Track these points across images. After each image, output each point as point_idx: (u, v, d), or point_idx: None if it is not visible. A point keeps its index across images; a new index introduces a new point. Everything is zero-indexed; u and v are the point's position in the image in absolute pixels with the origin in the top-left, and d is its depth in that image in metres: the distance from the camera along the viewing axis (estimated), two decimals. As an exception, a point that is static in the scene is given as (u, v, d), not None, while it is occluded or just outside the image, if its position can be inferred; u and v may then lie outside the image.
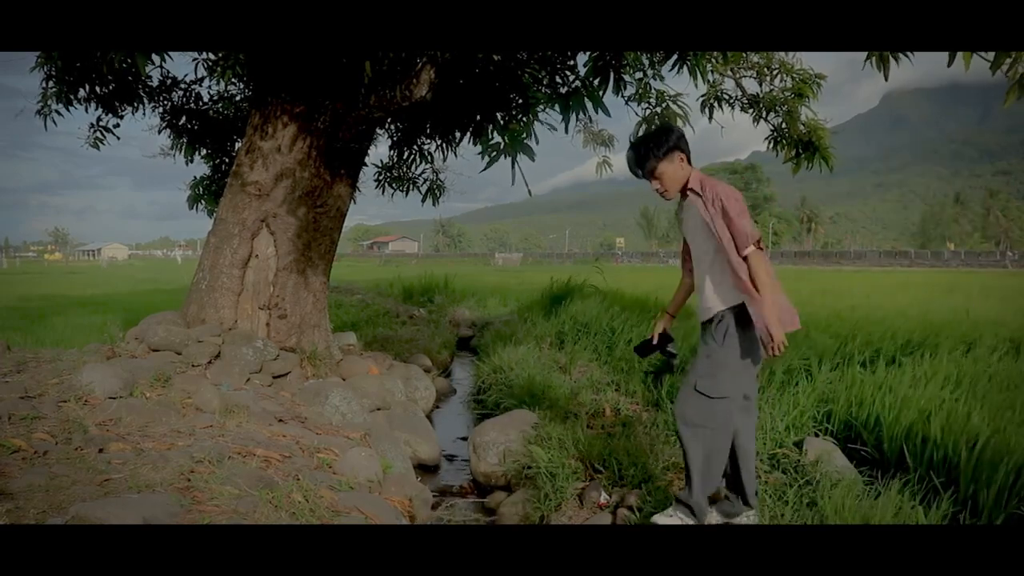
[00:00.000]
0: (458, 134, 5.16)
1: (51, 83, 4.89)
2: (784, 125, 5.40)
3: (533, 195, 3.87)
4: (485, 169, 3.88)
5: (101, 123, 5.68)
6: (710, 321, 2.43)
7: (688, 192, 2.45)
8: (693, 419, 2.40)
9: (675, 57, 3.67)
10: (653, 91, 4.89)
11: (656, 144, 2.41)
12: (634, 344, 2.97)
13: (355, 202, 5.16)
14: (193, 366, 3.85)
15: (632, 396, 4.38)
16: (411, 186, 6.47)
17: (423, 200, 6.51)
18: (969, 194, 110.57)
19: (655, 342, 2.70)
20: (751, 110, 5.50)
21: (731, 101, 5.44)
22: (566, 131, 4.10)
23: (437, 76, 3.59)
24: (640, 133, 4.58)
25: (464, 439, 4.55)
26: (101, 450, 2.60)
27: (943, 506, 2.45)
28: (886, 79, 2.90)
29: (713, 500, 2.57)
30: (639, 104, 4.99)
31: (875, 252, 52.13)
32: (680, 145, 2.42)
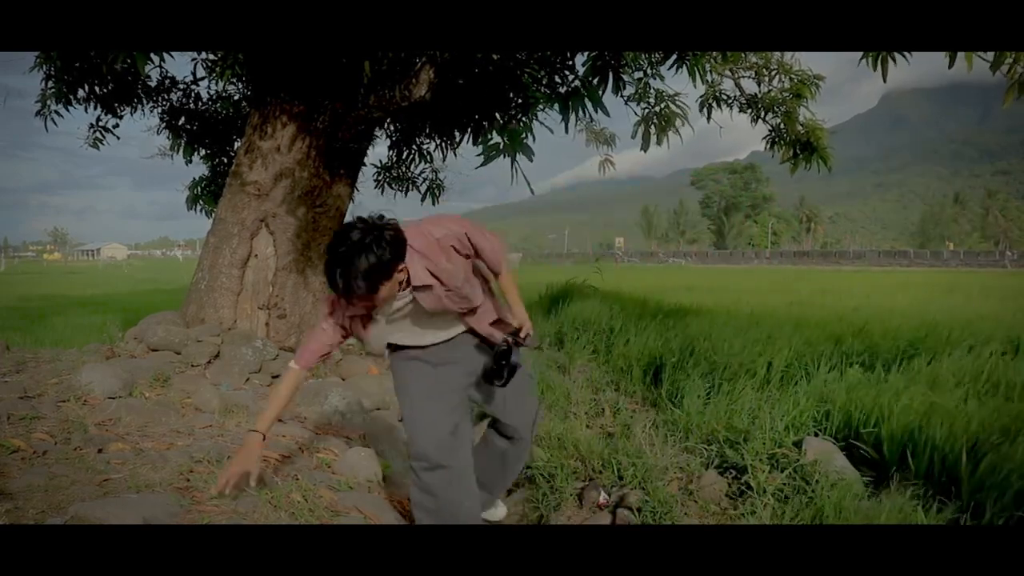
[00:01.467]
0: (457, 134, 5.16)
1: (50, 83, 4.89)
2: (782, 125, 5.41)
3: (533, 194, 3.87)
4: (482, 166, 3.89)
5: (100, 123, 5.68)
6: (489, 346, 2.23)
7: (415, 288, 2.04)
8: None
9: (674, 57, 3.67)
10: (652, 91, 4.90)
11: (382, 271, 1.88)
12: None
13: (353, 201, 5.17)
14: (192, 366, 3.85)
15: (632, 396, 4.38)
16: (410, 186, 6.48)
17: (422, 200, 6.52)
18: (968, 194, 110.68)
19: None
20: (749, 110, 5.51)
21: (729, 101, 5.45)
22: (566, 131, 4.10)
23: (436, 76, 3.59)
24: (642, 134, 4.55)
25: (463, 439, 4.55)
26: (100, 450, 2.60)
27: (946, 510, 2.45)
28: (884, 80, 2.90)
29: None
30: (639, 104, 5.00)
31: (874, 252, 52.16)
32: (402, 254, 1.92)
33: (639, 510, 2.71)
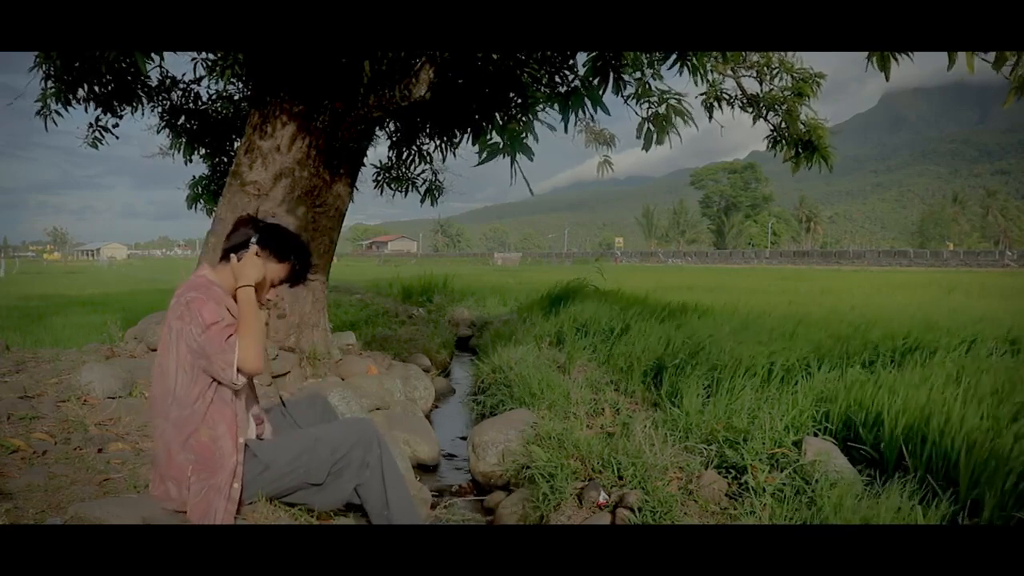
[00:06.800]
0: (457, 134, 5.16)
1: (50, 83, 4.89)
2: (784, 124, 5.40)
3: (533, 195, 3.86)
4: (480, 163, 3.87)
5: (100, 123, 5.68)
6: None
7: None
8: None
9: (674, 57, 3.66)
10: (655, 90, 4.88)
11: None
12: None
13: (352, 201, 5.17)
14: (192, 366, 3.84)
15: (631, 395, 4.38)
16: (410, 186, 6.47)
17: (422, 200, 6.51)
18: (968, 194, 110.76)
19: None
20: (751, 109, 5.50)
21: (731, 100, 5.44)
22: (565, 130, 4.09)
23: (436, 75, 3.58)
24: (644, 134, 4.54)
25: (463, 439, 4.55)
26: (100, 450, 2.60)
27: (942, 507, 2.45)
28: (887, 79, 2.90)
29: None
30: (639, 103, 4.99)
31: (874, 252, 52.07)
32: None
33: (639, 510, 2.71)
